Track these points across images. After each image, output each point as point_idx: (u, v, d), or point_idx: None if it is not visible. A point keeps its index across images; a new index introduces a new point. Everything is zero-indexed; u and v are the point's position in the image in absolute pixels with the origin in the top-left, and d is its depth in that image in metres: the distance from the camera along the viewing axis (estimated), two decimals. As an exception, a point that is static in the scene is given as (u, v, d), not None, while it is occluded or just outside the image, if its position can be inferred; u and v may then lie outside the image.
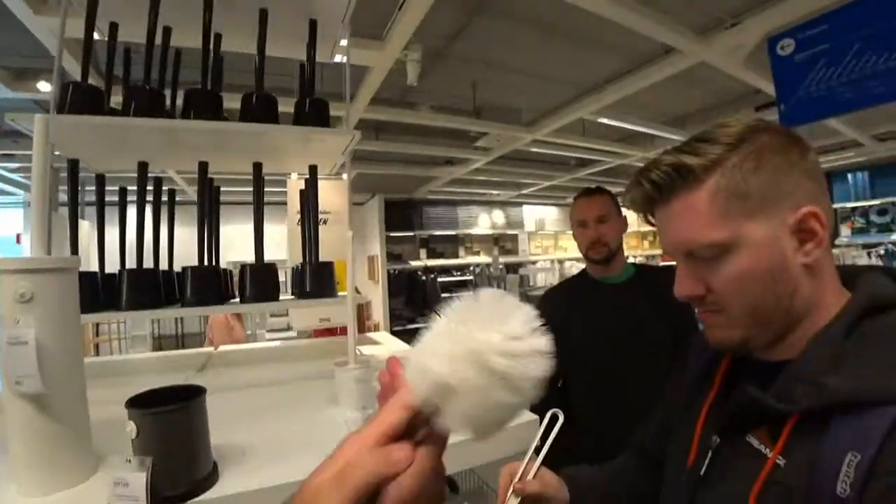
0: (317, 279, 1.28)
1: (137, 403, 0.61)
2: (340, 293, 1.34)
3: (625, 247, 1.77)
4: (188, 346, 6.09)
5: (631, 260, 1.82)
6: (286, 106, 1.33)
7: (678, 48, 2.93)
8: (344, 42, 1.58)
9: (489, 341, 0.37)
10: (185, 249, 1.32)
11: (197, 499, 0.63)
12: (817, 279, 0.58)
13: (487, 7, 2.68)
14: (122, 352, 5.91)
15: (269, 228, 1.32)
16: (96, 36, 1.23)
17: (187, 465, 0.64)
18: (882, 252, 6.96)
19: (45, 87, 3.10)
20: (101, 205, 1.28)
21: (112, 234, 1.21)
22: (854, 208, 7.51)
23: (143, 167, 1.20)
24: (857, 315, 0.55)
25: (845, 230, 7.61)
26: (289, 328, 5.20)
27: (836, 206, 7.59)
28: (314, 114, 1.31)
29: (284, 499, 0.37)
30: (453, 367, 0.37)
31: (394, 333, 3.12)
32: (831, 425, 0.50)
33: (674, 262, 0.67)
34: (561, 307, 1.72)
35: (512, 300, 0.42)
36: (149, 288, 1.16)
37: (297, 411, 1.04)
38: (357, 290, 2.52)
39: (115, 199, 1.32)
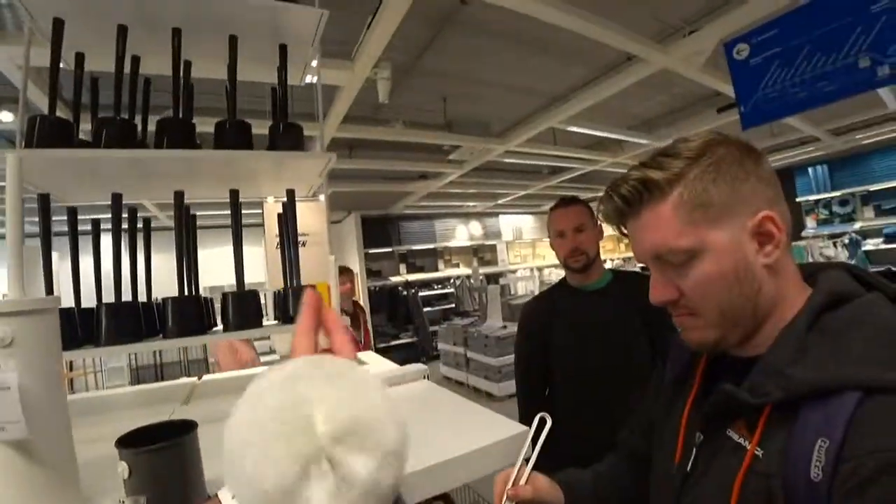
0: (300, 304, 1.27)
1: (128, 443, 0.60)
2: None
3: (602, 250, 1.81)
4: (167, 377, 5.93)
5: (609, 262, 1.86)
6: (260, 128, 1.33)
7: (640, 56, 3.02)
8: (314, 63, 1.59)
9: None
10: (163, 277, 1.29)
11: None
12: (779, 278, 0.63)
13: (453, 21, 2.73)
14: (99, 386, 5.73)
15: (246, 251, 1.30)
16: (62, 65, 1.21)
17: (183, 500, 0.62)
18: (846, 241, 7.23)
19: (7, 116, 3.02)
20: (73, 238, 1.25)
21: (85, 264, 1.19)
22: (817, 201, 7.81)
23: (117, 199, 1.18)
24: (818, 310, 0.60)
25: (811, 222, 7.88)
26: (272, 351, 5.11)
27: (800, 199, 7.87)
28: (288, 138, 1.30)
29: None
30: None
31: (378, 350, 3.09)
32: (800, 414, 0.53)
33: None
34: (542, 316, 1.75)
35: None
36: (128, 321, 1.13)
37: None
38: (344, 312, 2.52)
39: (87, 228, 1.29)
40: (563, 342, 1.68)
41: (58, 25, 1.16)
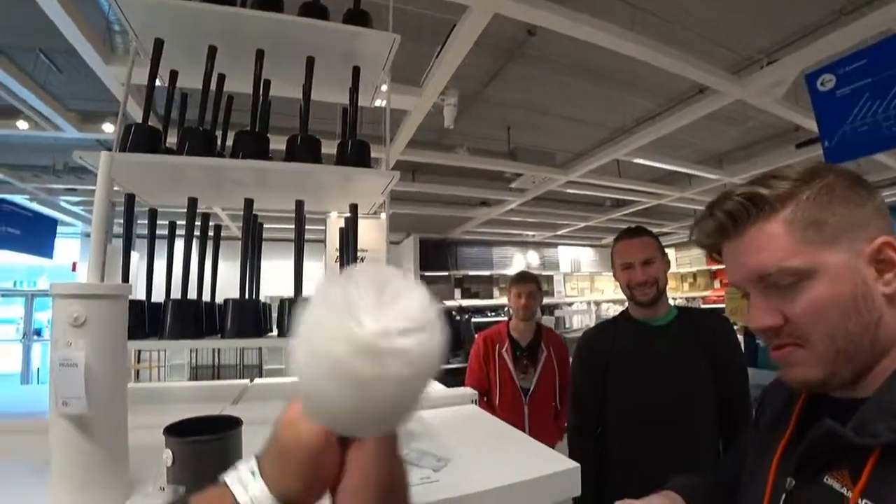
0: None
1: (175, 431, 0.63)
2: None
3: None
4: (223, 377, 6.18)
5: (672, 301, 1.76)
6: (328, 148, 1.39)
7: (713, 88, 2.92)
8: (384, 87, 1.65)
9: (351, 337, 0.36)
10: (227, 283, 1.36)
11: None
12: None
13: (521, 53, 2.77)
14: (161, 379, 6.05)
15: (305, 266, 1.35)
16: (157, 83, 1.33)
17: None
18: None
19: (109, 128, 3.35)
20: (151, 237, 1.35)
21: (160, 265, 1.27)
22: None
23: (192, 202, 1.26)
24: None
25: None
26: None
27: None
28: (355, 155, 1.35)
29: None
30: (310, 380, 0.38)
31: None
32: None
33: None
34: (603, 345, 1.67)
35: (401, 278, 0.42)
36: (191, 318, 1.20)
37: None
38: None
39: (164, 232, 1.39)
40: (621, 377, 1.59)
41: (158, 45, 1.28)
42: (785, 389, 0.68)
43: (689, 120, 3.37)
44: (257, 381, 1.73)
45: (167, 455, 0.59)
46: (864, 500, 0.50)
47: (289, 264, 1.31)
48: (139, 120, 1.29)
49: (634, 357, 1.59)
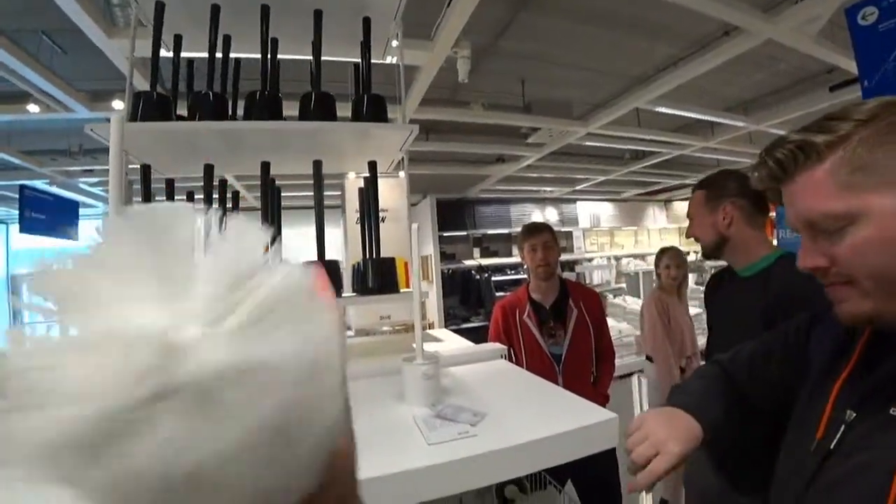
0: (379, 275, 1.28)
1: None
2: (402, 290, 1.34)
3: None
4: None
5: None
6: (342, 110, 1.34)
7: (742, 27, 2.75)
8: (395, 42, 1.59)
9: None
10: None
11: None
12: None
13: (534, 1, 2.64)
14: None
15: (329, 231, 1.33)
16: (163, 52, 1.29)
17: None
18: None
19: (119, 105, 3.34)
20: (170, 207, 1.34)
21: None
22: None
23: (209, 169, 1.24)
24: None
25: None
26: (347, 327, 5.31)
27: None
28: (372, 110, 1.31)
29: None
30: None
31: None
32: None
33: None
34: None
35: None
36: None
37: (365, 409, 1.04)
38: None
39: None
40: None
41: (159, 9, 1.24)
42: (839, 326, 0.68)
43: (713, 64, 3.20)
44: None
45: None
46: None
47: (305, 231, 1.29)
48: (136, 92, 1.25)
49: None
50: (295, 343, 0.23)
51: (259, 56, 1.30)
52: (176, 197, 1.38)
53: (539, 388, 1.20)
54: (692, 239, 1.64)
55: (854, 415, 0.61)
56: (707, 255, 1.62)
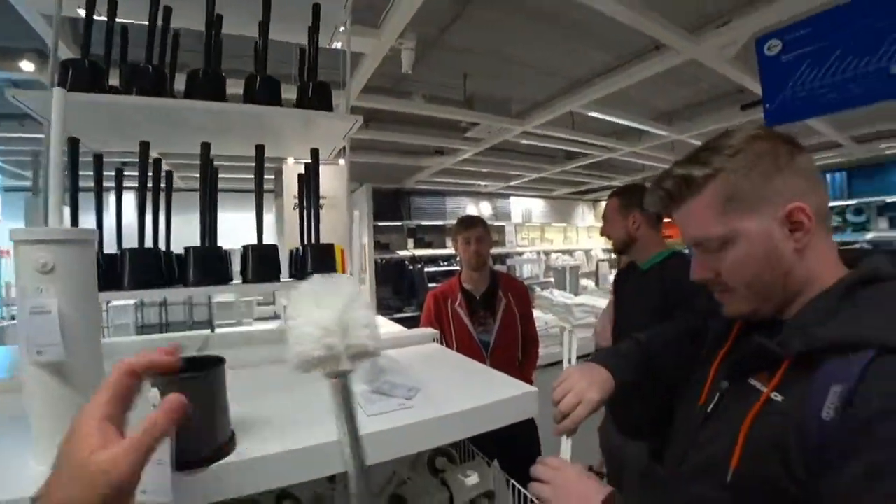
0: (319, 261, 1.30)
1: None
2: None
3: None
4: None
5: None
6: (286, 92, 1.34)
7: (669, 45, 2.97)
8: (343, 28, 1.59)
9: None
10: (180, 236, 1.31)
11: (219, 462, 0.66)
12: (810, 260, 0.71)
13: (477, -4, 2.69)
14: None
15: (252, 215, 1.31)
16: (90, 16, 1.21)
17: (210, 432, 0.66)
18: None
19: (28, 66, 3.05)
20: (99, 185, 1.28)
21: (106, 216, 1.21)
22: (832, 207, 7.68)
23: (144, 147, 1.20)
24: (851, 285, 0.67)
25: (823, 228, 7.82)
26: (276, 316, 5.18)
27: (815, 203, 7.80)
28: (317, 97, 1.32)
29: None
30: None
31: (383, 321, 3.12)
32: (821, 366, 0.60)
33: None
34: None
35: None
36: (154, 267, 1.16)
37: (304, 387, 1.06)
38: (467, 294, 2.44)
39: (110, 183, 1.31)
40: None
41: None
42: (724, 319, 0.83)
43: (643, 76, 3.44)
44: (219, 330, 1.72)
45: (154, 395, 0.60)
46: (774, 393, 0.65)
47: (239, 216, 1.28)
48: (65, 59, 1.18)
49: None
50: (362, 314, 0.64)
51: (200, 29, 1.27)
52: (104, 172, 1.31)
53: (469, 367, 1.30)
54: (605, 237, 2.10)
55: (727, 384, 0.75)
56: (618, 251, 2.07)
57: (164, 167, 1.33)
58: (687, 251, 1.85)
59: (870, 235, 7.28)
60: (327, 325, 0.59)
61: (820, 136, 5.52)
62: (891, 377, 0.54)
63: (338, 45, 1.75)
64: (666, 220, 1.39)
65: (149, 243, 1.20)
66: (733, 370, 0.75)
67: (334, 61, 1.68)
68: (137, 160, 1.20)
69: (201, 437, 0.64)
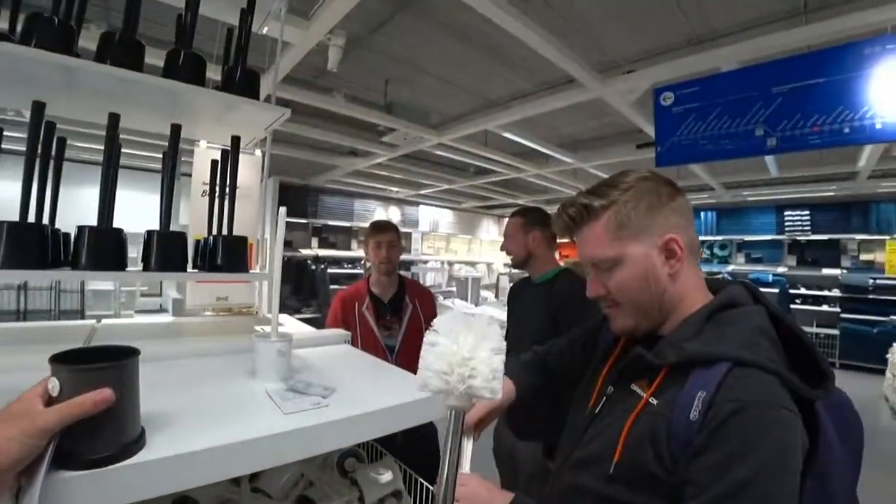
0: (229, 253, 1.23)
1: (65, 360, 0.56)
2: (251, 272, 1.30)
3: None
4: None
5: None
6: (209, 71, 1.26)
7: (580, 81, 3.22)
8: (280, 12, 1.53)
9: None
10: (67, 212, 1.17)
11: (126, 462, 0.60)
12: (681, 284, 0.84)
13: (411, 4, 2.73)
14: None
15: (149, 197, 1.20)
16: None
17: (117, 428, 0.59)
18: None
19: None
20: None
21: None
22: (702, 241, 8.97)
23: (39, 107, 1.06)
24: (714, 309, 0.81)
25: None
26: (161, 309, 4.75)
27: (688, 238, 9.01)
28: (244, 83, 1.25)
29: None
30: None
31: (284, 320, 3.00)
32: (690, 375, 0.73)
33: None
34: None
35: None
36: (35, 246, 1.02)
37: (216, 383, 1.01)
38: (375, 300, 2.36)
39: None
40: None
41: None
42: (613, 334, 0.96)
43: (555, 106, 3.68)
44: (105, 321, 1.55)
45: (53, 385, 0.54)
46: (652, 398, 0.76)
47: (130, 195, 1.17)
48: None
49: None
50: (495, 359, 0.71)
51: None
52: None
53: (379, 368, 1.33)
54: (505, 251, 2.30)
55: (613, 389, 0.87)
56: (516, 265, 2.27)
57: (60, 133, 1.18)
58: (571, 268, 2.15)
59: (730, 268, 8.84)
60: (452, 363, 0.68)
61: (698, 180, 6.26)
62: (741, 386, 0.68)
63: (265, 30, 1.69)
64: (561, 241, 1.55)
65: (32, 219, 1.06)
66: (618, 377, 0.87)
67: (258, 45, 1.61)
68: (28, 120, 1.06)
69: (107, 434, 0.58)
